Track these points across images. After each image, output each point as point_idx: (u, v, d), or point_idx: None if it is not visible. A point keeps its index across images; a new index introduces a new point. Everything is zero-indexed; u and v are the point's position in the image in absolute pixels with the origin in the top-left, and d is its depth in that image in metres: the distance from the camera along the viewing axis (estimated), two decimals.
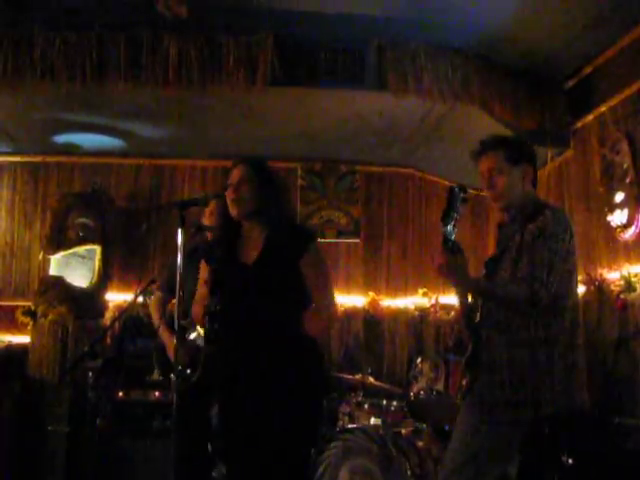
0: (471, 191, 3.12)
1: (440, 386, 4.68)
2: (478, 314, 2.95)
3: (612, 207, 4.94)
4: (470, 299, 3.05)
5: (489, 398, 2.79)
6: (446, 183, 7.16)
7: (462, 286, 2.97)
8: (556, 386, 2.73)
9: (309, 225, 6.90)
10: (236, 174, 3.15)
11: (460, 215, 2.79)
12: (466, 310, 3.00)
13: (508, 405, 2.75)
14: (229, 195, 3.12)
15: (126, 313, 5.77)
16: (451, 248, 2.78)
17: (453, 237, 2.79)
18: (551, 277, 2.70)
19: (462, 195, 2.81)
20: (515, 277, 2.79)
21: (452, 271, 2.79)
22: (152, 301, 4.77)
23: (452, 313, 6.58)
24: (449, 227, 2.79)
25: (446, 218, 2.79)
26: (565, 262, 2.78)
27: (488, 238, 6.93)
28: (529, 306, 2.69)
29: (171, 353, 4.10)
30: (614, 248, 5.00)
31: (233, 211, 3.11)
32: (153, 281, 4.53)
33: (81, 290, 6.08)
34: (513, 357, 2.77)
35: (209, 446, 4.21)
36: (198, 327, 3.90)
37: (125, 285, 6.60)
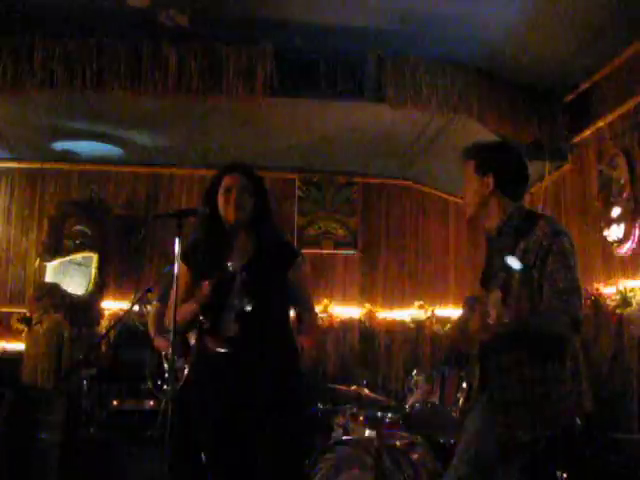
0: None
1: (435, 399, 4.65)
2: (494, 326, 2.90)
3: (609, 222, 4.95)
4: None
5: (504, 420, 2.75)
6: (444, 196, 7.18)
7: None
8: (568, 397, 2.71)
9: (307, 236, 6.94)
10: (236, 181, 3.13)
11: None
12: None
13: (524, 426, 2.71)
14: (231, 200, 3.10)
15: (121, 322, 5.75)
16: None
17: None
18: (579, 297, 2.66)
19: None
20: (544, 308, 2.72)
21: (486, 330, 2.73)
22: (150, 313, 4.74)
23: (448, 326, 6.58)
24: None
25: None
26: (577, 274, 2.75)
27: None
28: (574, 334, 2.66)
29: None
30: (610, 263, 5.00)
31: (232, 216, 3.10)
32: (149, 290, 4.51)
33: (77, 298, 6.06)
34: (524, 376, 2.74)
35: (202, 456, 4.19)
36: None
37: (121, 293, 6.59)
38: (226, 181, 3.14)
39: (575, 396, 2.72)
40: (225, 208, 3.09)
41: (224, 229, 3.15)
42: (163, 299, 4.55)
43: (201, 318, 3.06)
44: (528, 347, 2.73)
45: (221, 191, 3.12)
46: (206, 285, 3.00)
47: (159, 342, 4.46)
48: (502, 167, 2.96)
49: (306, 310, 3.33)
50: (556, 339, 2.70)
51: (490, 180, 2.92)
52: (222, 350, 2.96)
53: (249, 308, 2.92)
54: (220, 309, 3.00)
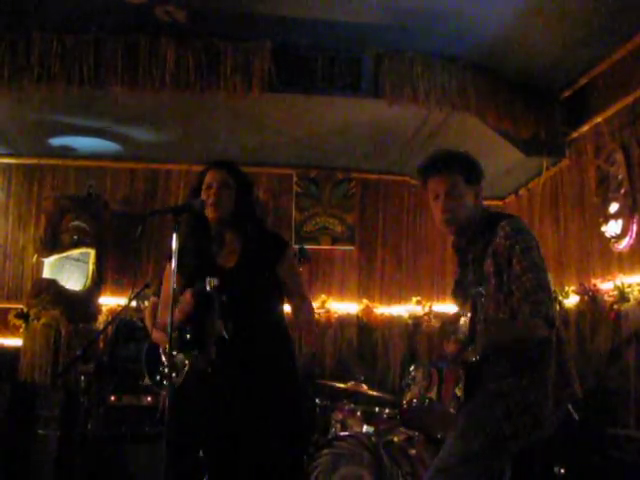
0: None
1: (433, 394, 4.65)
2: (472, 352, 2.87)
3: (607, 218, 4.96)
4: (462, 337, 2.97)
5: (490, 429, 2.73)
6: None
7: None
8: (550, 399, 2.70)
9: (304, 231, 6.94)
10: (216, 177, 3.15)
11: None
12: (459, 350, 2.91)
13: (509, 436, 2.69)
14: (210, 197, 3.11)
15: (119, 317, 5.74)
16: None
17: None
18: (547, 293, 2.62)
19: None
20: (512, 315, 2.67)
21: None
22: (147, 307, 4.73)
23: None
24: None
25: None
26: (545, 269, 2.70)
27: None
28: (549, 331, 2.60)
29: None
30: (608, 258, 5.01)
31: (211, 214, 3.11)
32: (147, 285, 4.50)
33: (74, 293, 6.06)
34: (509, 386, 2.71)
35: (200, 453, 4.19)
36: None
37: (119, 289, 6.58)
38: (207, 178, 3.16)
39: (552, 392, 2.70)
40: (207, 206, 3.10)
41: (210, 227, 3.15)
42: (159, 293, 4.55)
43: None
44: (511, 359, 2.72)
45: (203, 187, 3.14)
46: (188, 297, 3.00)
47: (157, 335, 4.46)
48: (482, 175, 2.93)
49: (301, 303, 3.26)
50: (535, 342, 2.65)
51: (479, 189, 2.88)
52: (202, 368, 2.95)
53: (226, 335, 2.89)
54: (200, 325, 2.98)
